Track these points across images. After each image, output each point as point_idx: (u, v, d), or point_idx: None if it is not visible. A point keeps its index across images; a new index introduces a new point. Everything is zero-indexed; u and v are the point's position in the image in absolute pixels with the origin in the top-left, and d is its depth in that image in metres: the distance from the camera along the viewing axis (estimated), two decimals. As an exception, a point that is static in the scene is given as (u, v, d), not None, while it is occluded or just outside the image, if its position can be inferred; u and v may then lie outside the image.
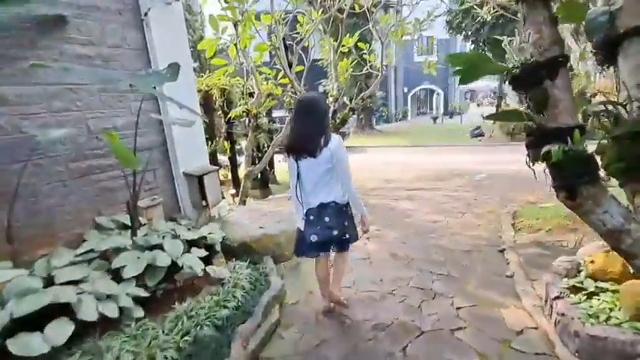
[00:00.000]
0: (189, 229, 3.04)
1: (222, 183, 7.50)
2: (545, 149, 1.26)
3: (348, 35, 6.90)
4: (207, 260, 2.80)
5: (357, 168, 8.51)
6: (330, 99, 6.98)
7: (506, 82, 1.40)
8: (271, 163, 7.36)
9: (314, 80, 9.00)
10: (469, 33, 18.87)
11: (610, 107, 1.30)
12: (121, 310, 2.03)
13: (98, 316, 1.92)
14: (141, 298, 2.17)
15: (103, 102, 2.97)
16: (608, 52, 1.35)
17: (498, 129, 14.01)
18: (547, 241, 3.47)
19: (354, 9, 6.83)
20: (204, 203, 3.66)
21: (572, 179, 1.30)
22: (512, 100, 20.64)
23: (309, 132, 2.10)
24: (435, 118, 25.21)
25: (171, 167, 3.61)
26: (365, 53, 7.20)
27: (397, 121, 26.94)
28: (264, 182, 6.55)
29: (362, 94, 6.94)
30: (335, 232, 2.14)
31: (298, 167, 2.17)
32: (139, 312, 2.12)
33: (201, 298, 2.34)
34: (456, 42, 28.37)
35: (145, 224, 3.03)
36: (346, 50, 7.37)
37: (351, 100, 6.91)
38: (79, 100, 2.79)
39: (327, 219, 2.13)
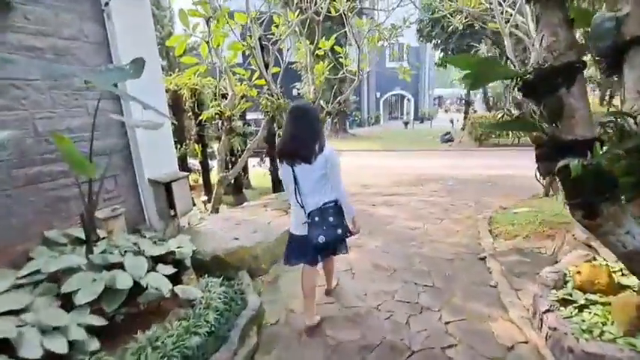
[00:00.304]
0: (155, 243, 2.75)
1: (192, 188, 7.11)
2: (561, 163, 1.16)
3: (324, 38, 6.79)
4: (175, 278, 2.53)
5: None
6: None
7: (515, 89, 1.29)
8: (245, 168, 7.08)
9: (289, 83, 8.84)
10: (439, 42, 19.49)
11: (619, 118, 1.22)
12: (72, 343, 1.73)
13: (43, 353, 1.62)
14: (96, 328, 1.88)
15: (54, 100, 2.62)
16: (613, 59, 1.27)
17: (467, 135, 14.47)
18: (526, 248, 3.49)
19: (330, 12, 6.75)
20: (172, 213, 3.37)
21: (592, 197, 1.20)
22: (480, 108, 21.53)
23: (303, 139, 2.15)
24: (406, 123, 25.77)
25: (135, 173, 3.29)
26: (341, 57, 7.13)
27: (370, 126, 27.28)
28: (238, 187, 6.26)
29: (338, 97, 6.84)
30: (339, 231, 2.23)
31: (294, 172, 2.20)
32: (94, 344, 1.83)
33: (169, 323, 2.07)
34: (425, 50, 29.29)
35: (104, 238, 2.71)
36: (322, 53, 7.27)
37: (327, 104, 6.79)
38: (24, 97, 2.44)
39: (331, 219, 2.21)
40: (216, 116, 4.77)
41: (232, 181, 5.97)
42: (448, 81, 51.74)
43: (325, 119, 6.76)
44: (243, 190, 6.69)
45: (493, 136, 13.62)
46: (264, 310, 2.54)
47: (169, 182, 3.29)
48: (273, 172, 5.86)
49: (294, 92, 13.55)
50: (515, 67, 3.86)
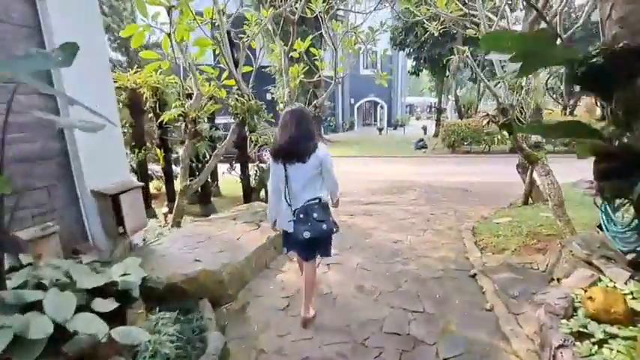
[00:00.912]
0: (94, 270, 2.24)
1: (155, 197, 6.50)
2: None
3: (299, 39, 6.48)
4: (118, 314, 2.04)
5: None
6: (281, 105, 6.44)
7: (565, 81, 1.00)
8: (215, 175, 6.56)
9: (262, 87, 8.42)
10: (411, 50, 19.80)
11: None
12: None
13: None
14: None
15: (-41, 93, 2.08)
16: None
17: (440, 142, 14.62)
18: (516, 264, 3.27)
19: (306, 14, 6.45)
20: (121, 230, 2.86)
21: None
22: (451, 115, 22.05)
23: (299, 139, 2.26)
24: (380, 129, 25.93)
25: (74, 184, 2.76)
26: (316, 59, 6.83)
27: (345, 131, 27.24)
28: (205, 196, 5.73)
29: (314, 102, 6.51)
30: (324, 226, 2.30)
31: (286, 171, 2.32)
32: None
33: (101, 382, 1.60)
34: (398, 57, 29.78)
35: (29, 264, 2.18)
36: (297, 56, 6.94)
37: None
38: None
39: (315, 215, 2.29)
40: (180, 118, 4.27)
41: (199, 190, 5.45)
42: (419, 89, 53.26)
43: (301, 124, 6.41)
44: (212, 199, 6.16)
45: (465, 143, 13.82)
46: (229, 352, 2.10)
47: (117, 194, 2.79)
48: (244, 179, 5.42)
49: (269, 97, 13.15)
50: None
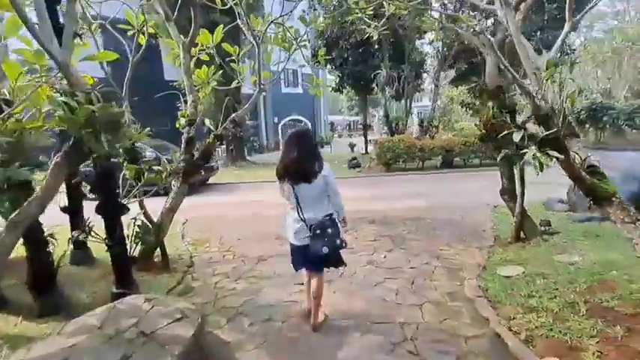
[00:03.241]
0: None
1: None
2: None
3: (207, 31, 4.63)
4: None
5: (232, 221, 5.86)
6: (182, 120, 4.38)
7: None
8: (77, 224, 4.06)
9: (172, 103, 6.14)
10: (334, 67, 19.16)
11: None
12: None
13: None
14: None
15: None
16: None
17: (376, 160, 13.77)
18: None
19: (214, 2, 4.66)
20: None
21: None
22: (379, 131, 21.93)
23: (304, 161, 2.39)
24: (307, 149, 24.75)
25: None
26: (233, 60, 5.00)
27: (270, 152, 25.41)
28: (41, 279, 3.26)
29: (231, 116, 4.61)
30: (338, 242, 2.43)
31: (294, 189, 2.42)
32: None
33: None
34: (319, 75, 29.46)
35: None
36: (207, 58, 5.04)
37: (217, 127, 4.50)
38: None
39: (329, 230, 2.41)
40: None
41: (31, 267, 3.03)
42: (338, 108, 54.59)
43: (214, 145, 4.41)
44: (76, 269, 3.69)
45: (400, 161, 13.17)
46: None
47: None
48: (115, 245, 3.11)
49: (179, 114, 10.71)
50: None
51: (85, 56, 2.43)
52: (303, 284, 3.49)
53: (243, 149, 17.95)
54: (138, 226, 3.28)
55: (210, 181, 11.75)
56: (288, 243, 2.71)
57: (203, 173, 10.80)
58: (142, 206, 3.82)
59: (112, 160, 2.88)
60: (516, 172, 4.24)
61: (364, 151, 19.43)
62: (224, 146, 17.45)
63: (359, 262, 4.04)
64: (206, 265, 4.24)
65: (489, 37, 2.53)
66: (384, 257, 4.19)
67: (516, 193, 4.25)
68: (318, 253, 2.34)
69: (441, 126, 15.67)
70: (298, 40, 4.99)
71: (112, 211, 2.99)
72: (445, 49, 14.71)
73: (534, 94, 2.27)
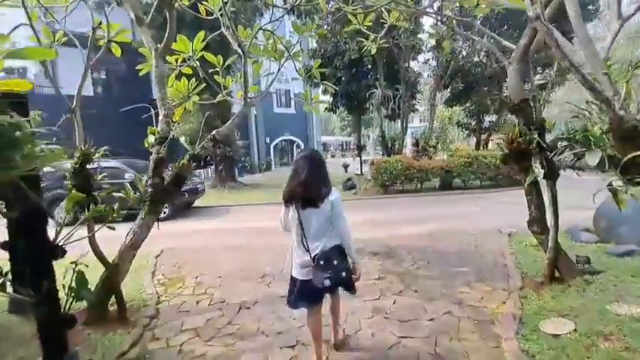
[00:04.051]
0: None
1: None
2: None
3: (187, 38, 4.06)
4: None
5: (215, 253, 4.84)
6: (151, 138, 3.69)
7: None
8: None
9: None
10: (326, 88, 18.85)
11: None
12: None
13: None
14: None
15: None
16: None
17: (372, 181, 13.15)
18: None
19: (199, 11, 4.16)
20: None
21: None
22: (373, 152, 21.48)
23: (313, 184, 2.25)
24: (299, 169, 24.13)
25: None
26: (217, 72, 4.42)
27: (262, 172, 24.71)
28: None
29: (211, 133, 3.94)
30: (344, 274, 2.24)
31: (299, 216, 2.27)
32: None
33: None
34: (311, 95, 29.27)
35: None
36: (189, 71, 4.46)
37: (193, 144, 3.82)
38: None
39: (335, 262, 2.23)
40: None
41: None
42: (330, 129, 54.60)
43: (189, 168, 3.70)
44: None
45: (398, 182, 12.57)
46: None
47: None
48: (39, 306, 2.33)
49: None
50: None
51: (8, 52, 1.77)
52: (290, 347, 2.73)
53: (234, 170, 17.21)
54: (75, 275, 2.49)
55: (196, 203, 10.93)
56: (283, 280, 2.42)
57: (187, 196, 10.01)
58: (92, 243, 3.05)
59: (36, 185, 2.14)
60: (546, 198, 3.60)
61: (359, 172, 18.86)
62: (213, 166, 16.71)
63: (364, 311, 3.28)
64: (175, 314, 3.43)
65: (548, 26, 1.92)
66: (394, 303, 3.45)
67: (547, 224, 3.60)
68: (319, 285, 2.19)
69: (439, 146, 15.23)
70: (290, 48, 4.42)
71: (37, 256, 2.22)
72: (440, 68, 14.47)
73: (612, 101, 1.65)
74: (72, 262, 2.62)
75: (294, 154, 32.82)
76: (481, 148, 16.04)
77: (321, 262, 2.21)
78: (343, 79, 16.24)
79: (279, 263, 4.88)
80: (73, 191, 2.76)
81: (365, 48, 6.05)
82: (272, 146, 28.40)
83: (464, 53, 14.66)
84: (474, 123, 16.56)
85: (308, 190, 2.23)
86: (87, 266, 2.68)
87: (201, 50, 4.16)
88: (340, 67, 15.55)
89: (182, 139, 3.87)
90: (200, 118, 11.49)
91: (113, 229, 2.69)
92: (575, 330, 2.59)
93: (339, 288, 2.44)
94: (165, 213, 9.27)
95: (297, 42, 4.69)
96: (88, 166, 3.07)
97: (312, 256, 2.25)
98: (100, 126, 14.76)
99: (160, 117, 3.75)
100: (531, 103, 3.46)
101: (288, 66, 4.69)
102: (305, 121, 30.90)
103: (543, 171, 3.43)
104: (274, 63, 4.60)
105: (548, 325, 2.73)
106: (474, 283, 3.90)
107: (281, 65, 4.56)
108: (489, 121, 16.29)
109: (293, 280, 2.42)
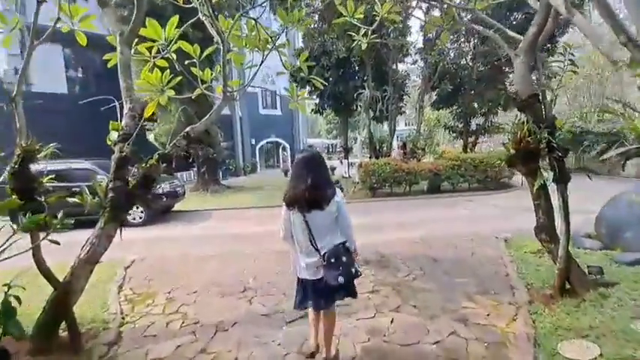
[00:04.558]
0: None
1: None
2: None
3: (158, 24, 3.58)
4: None
5: (192, 263, 4.23)
6: (114, 135, 3.20)
7: None
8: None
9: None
10: (314, 87, 18.49)
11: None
12: None
13: None
14: None
15: None
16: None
17: (360, 184, 12.83)
18: None
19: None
20: None
21: None
22: (360, 154, 21.22)
23: (318, 186, 2.25)
24: (286, 171, 23.57)
25: None
26: (194, 63, 3.94)
27: (247, 175, 24.07)
28: None
29: (186, 129, 3.49)
30: (353, 270, 2.29)
31: (305, 218, 2.26)
32: None
33: None
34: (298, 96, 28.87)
35: None
36: (164, 63, 3.97)
37: (164, 145, 3.35)
38: None
39: (344, 258, 2.26)
40: None
41: None
42: (316, 131, 54.27)
43: (157, 167, 3.22)
44: None
45: (387, 185, 12.28)
46: None
47: None
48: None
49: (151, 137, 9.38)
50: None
51: None
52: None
53: (217, 172, 16.58)
54: (2, 302, 2.00)
55: (177, 207, 10.30)
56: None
57: (165, 199, 9.41)
58: (36, 256, 2.54)
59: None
60: (556, 203, 3.29)
61: (346, 175, 18.53)
62: (195, 168, 16.05)
63: (358, 333, 2.89)
64: (139, 339, 2.95)
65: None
66: (392, 322, 3.07)
67: (556, 231, 3.30)
68: (332, 283, 2.20)
69: (427, 149, 15.06)
70: (274, 38, 4.01)
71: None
72: (428, 69, 14.31)
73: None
74: (4, 285, 2.12)
75: (280, 157, 32.24)
76: (468, 150, 15.96)
77: (332, 260, 2.23)
78: (330, 79, 15.90)
79: (263, 274, 4.44)
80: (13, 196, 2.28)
81: (355, 42, 5.69)
82: (257, 148, 27.81)
83: (452, 55, 14.55)
84: (461, 126, 16.48)
85: (315, 193, 2.23)
86: (24, 289, 2.18)
87: (177, 39, 3.70)
88: (327, 67, 15.19)
89: (151, 137, 3.40)
90: (182, 118, 10.94)
91: (57, 243, 2.20)
92: (601, 355, 2.27)
93: (335, 303, 2.45)
94: (141, 218, 8.67)
95: (283, 31, 4.30)
96: (31, 166, 2.57)
97: (322, 254, 2.26)
98: (73, 125, 13.87)
99: (125, 110, 3.27)
100: (540, 99, 3.16)
101: (274, 63, 4.30)
102: (291, 122, 30.48)
103: (553, 173, 3.14)
104: (258, 57, 4.18)
105: (569, 348, 2.40)
106: (477, 296, 3.57)
107: (265, 56, 4.14)
108: (477, 124, 16.23)
109: (301, 281, 2.45)
